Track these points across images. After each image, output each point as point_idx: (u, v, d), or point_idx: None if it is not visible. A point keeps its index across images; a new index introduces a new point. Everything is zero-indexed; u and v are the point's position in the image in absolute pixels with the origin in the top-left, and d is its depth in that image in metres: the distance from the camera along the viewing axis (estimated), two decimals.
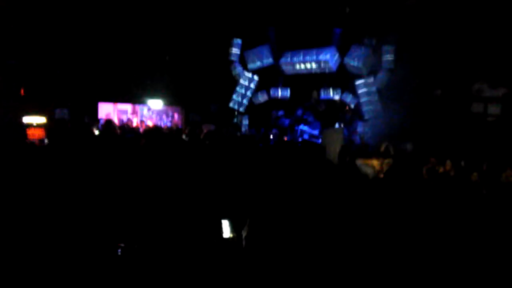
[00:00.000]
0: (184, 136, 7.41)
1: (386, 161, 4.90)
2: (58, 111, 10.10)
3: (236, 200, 3.60)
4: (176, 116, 13.34)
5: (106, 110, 12.29)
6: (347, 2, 10.47)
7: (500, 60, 7.87)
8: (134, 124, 11.82)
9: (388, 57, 9.82)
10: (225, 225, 3.24)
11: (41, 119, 9.62)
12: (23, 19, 10.30)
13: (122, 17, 11.38)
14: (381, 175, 4.50)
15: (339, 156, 5.44)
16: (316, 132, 9.84)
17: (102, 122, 10.68)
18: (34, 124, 9.34)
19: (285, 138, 9.53)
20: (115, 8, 11.11)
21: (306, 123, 10.39)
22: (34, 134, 8.66)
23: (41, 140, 8.24)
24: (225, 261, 2.95)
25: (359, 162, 4.60)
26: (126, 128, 9.28)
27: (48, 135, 8.31)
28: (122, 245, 2.93)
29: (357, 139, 9.66)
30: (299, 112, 10.94)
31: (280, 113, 11.50)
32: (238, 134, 10.19)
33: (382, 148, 5.82)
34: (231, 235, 3.16)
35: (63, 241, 3.36)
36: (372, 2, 9.89)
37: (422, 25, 9.02)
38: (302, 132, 10.10)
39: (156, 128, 7.12)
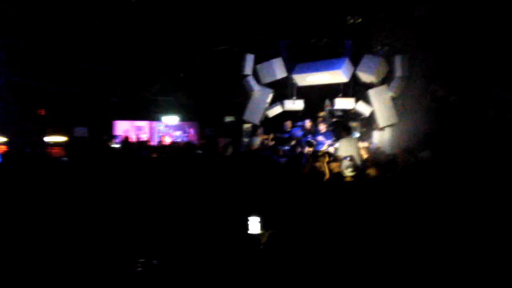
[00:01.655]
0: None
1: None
2: (77, 130, 10.38)
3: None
4: (192, 131, 13.52)
5: (123, 127, 12.55)
6: (358, 13, 10.54)
7: None
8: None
9: (401, 65, 9.80)
10: (254, 221, 3.34)
11: (61, 139, 9.90)
12: (41, 42, 10.65)
13: (138, 36, 11.67)
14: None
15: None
16: (329, 141, 9.81)
17: (120, 138, 10.92)
18: (54, 143, 9.62)
19: (299, 150, 9.52)
20: (131, 27, 11.41)
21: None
22: (55, 153, 8.91)
23: (62, 158, 8.47)
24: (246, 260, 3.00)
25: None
26: (142, 144, 9.45)
27: (67, 152, 8.54)
28: (142, 260, 2.98)
29: (372, 147, 9.61)
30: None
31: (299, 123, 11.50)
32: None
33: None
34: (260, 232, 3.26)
35: (83, 255, 3.44)
36: (382, 12, 9.92)
37: (434, 31, 8.99)
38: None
39: (171, 144, 7.25)
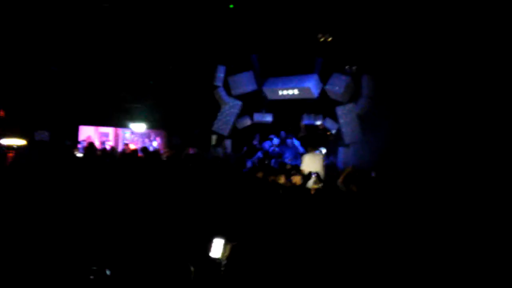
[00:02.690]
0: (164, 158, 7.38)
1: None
2: (38, 134, 9.97)
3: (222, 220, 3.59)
4: (158, 139, 13.31)
5: (87, 133, 12.19)
6: (329, 31, 10.81)
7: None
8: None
9: (368, 84, 10.10)
10: (218, 244, 3.11)
11: (20, 142, 9.48)
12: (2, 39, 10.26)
13: (106, 40, 11.46)
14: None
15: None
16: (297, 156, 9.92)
17: (83, 144, 10.59)
18: (14, 147, 9.19)
19: (266, 162, 9.58)
20: (98, 31, 11.20)
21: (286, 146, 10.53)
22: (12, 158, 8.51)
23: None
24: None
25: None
26: (106, 152, 9.18)
27: (24, 157, 8.17)
28: (95, 268, 2.86)
29: (338, 163, 9.78)
30: (283, 134, 11.08)
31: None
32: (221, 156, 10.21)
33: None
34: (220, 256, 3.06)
35: (36, 263, 3.29)
36: (353, 31, 10.22)
37: (401, 53, 9.34)
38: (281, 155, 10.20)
39: (133, 152, 7.08)
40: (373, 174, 7.00)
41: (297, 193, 4.39)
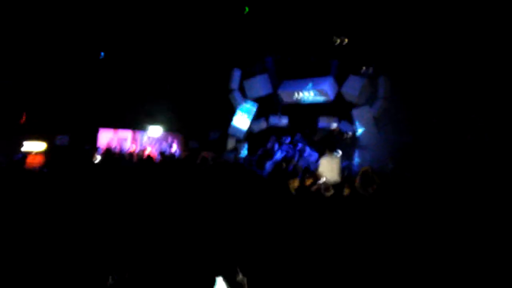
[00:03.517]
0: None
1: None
2: (59, 138, 10.20)
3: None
4: (175, 143, 13.44)
5: (107, 137, 12.40)
6: (345, 33, 10.75)
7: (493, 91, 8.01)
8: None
9: (384, 86, 9.99)
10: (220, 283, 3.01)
11: (41, 146, 9.71)
12: (24, 46, 10.54)
13: (124, 45, 11.66)
14: None
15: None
16: (314, 159, 9.87)
17: (101, 149, 10.78)
18: (34, 151, 9.41)
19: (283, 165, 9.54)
20: (117, 37, 11.40)
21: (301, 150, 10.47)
22: (34, 161, 8.72)
23: (41, 167, 8.29)
24: None
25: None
26: (124, 156, 9.35)
27: (47, 162, 8.36)
28: (114, 274, 2.92)
29: (354, 166, 9.68)
30: (298, 138, 11.04)
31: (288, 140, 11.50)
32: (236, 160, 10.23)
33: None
34: None
35: (57, 268, 3.36)
36: (369, 33, 10.14)
37: (418, 54, 9.22)
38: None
39: (148, 157, 7.18)
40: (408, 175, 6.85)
41: (312, 201, 4.36)
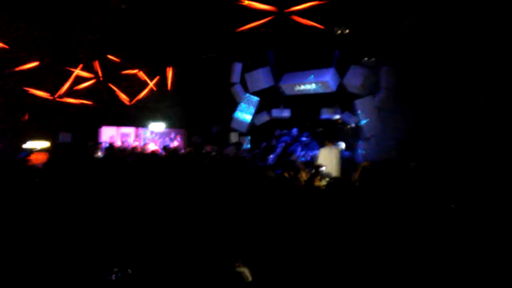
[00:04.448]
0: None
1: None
2: (62, 135, 10.23)
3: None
4: (178, 138, 13.45)
5: (109, 134, 12.42)
6: (346, 24, 10.65)
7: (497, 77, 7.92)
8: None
9: (387, 76, 9.90)
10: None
11: (44, 144, 9.74)
12: (27, 43, 10.54)
13: (124, 41, 11.63)
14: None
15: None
16: (316, 152, 9.83)
17: (104, 145, 10.81)
18: (38, 149, 9.44)
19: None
20: (117, 32, 11.37)
21: (301, 144, 10.43)
22: (38, 159, 8.75)
23: (45, 164, 8.31)
24: None
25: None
26: (127, 151, 9.35)
27: (51, 159, 8.38)
28: (116, 269, 2.92)
29: (358, 157, 9.66)
30: (294, 131, 10.99)
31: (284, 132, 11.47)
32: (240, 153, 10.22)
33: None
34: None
35: (59, 264, 3.37)
36: (370, 23, 10.04)
37: (420, 44, 9.13)
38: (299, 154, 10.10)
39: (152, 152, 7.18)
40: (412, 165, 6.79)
41: (304, 193, 4.34)
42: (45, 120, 10.79)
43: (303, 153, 9.85)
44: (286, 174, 4.97)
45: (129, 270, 3.01)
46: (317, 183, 4.80)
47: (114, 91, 12.21)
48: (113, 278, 2.99)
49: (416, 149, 8.49)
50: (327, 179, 4.71)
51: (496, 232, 3.26)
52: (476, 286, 2.78)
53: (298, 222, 3.29)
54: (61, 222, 4.06)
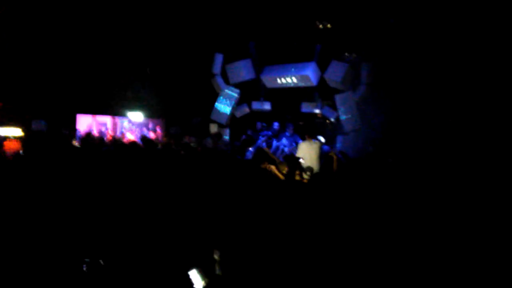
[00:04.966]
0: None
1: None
2: (35, 123, 9.89)
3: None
4: (158, 129, 13.25)
5: (85, 122, 12.11)
6: (328, 18, 10.67)
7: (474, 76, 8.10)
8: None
9: (368, 72, 9.99)
10: (194, 275, 2.89)
11: (17, 131, 9.41)
12: None
13: (102, 28, 11.33)
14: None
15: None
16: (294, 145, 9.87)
17: (80, 134, 10.53)
18: (10, 137, 9.11)
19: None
20: (95, 20, 11.07)
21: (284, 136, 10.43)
22: (10, 147, 8.44)
23: (17, 153, 8.03)
24: None
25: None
26: (103, 141, 9.14)
27: (24, 147, 8.10)
28: (87, 260, 2.84)
29: (336, 151, 9.72)
30: (276, 125, 10.98)
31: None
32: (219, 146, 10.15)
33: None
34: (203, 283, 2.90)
35: (29, 252, 3.28)
36: (353, 18, 10.08)
37: (401, 40, 9.23)
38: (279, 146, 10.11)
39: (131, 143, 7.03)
40: (390, 160, 6.87)
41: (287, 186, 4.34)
42: (19, 106, 10.42)
43: (288, 144, 9.84)
44: (266, 167, 4.94)
45: (100, 261, 2.94)
46: (297, 177, 4.80)
47: None
48: (85, 269, 2.91)
49: (394, 145, 8.62)
50: (308, 173, 4.72)
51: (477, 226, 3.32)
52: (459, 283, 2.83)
53: (279, 216, 3.27)
54: (33, 210, 3.93)
